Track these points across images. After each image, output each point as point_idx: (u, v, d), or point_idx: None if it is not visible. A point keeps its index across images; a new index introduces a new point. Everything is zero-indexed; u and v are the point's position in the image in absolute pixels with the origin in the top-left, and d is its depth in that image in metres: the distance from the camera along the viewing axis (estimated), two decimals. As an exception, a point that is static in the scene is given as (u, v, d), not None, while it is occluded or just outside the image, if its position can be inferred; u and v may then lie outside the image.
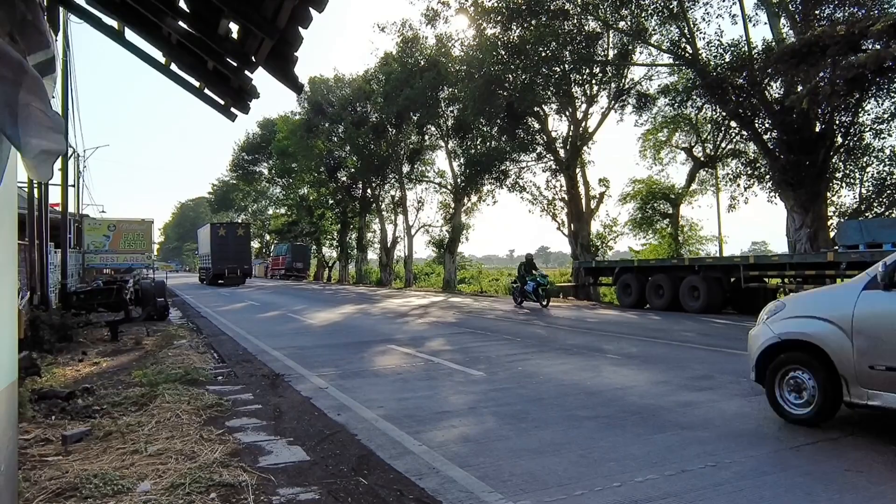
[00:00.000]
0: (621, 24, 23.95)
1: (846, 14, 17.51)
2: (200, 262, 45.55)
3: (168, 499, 3.79)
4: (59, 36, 10.56)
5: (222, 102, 5.05)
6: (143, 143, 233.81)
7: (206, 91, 5.03)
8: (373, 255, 49.15)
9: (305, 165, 45.37)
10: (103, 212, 40.92)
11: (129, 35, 4.93)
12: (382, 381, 7.83)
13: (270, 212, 68.51)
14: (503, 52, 25.35)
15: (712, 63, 20.42)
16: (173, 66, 4.97)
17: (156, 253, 40.52)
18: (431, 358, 9.48)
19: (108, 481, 4.03)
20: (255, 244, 61.80)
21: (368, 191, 43.71)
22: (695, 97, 22.78)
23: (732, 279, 16.82)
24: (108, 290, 14.54)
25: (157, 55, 5.07)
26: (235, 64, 4.21)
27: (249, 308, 20.71)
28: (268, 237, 69.71)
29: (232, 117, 5.19)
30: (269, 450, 4.89)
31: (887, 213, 18.99)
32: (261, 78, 40.71)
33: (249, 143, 58.29)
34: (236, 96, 4.77)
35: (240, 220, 60.53)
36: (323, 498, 3.89)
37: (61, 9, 6.03)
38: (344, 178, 45.51)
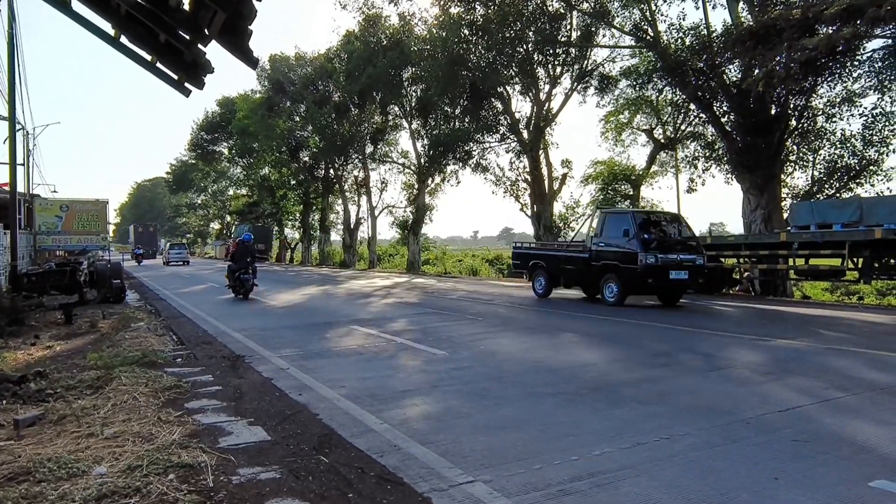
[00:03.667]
0: (584, 4, 24.01)
1: (802, -2, 17.84)
2: (131, 247, 69.15)
3: (125, 481, 3.72)
4: (3, 6, 10.11)
5: (176, 77, 4.90)
6: (97, 122, 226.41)
7: (159, 65, 4.86)
8: (336, 236, 48.81)
9: (266, 145, 44.48)
10: (55, 192, 39.54)
11: (77, 6, 4.73)
12: (345, 361, 7.81)
13: (231, 192, 67.27)
14: (467, 32, 25.19)
15: (673, 46, 20.65)
16: (123, 39, 4.78)
17: (111, 234, 39.81)
18: (394, 338, 9.49)
19: (63, 465, 3.93)
20: (215, 225, 78.02)
21: (331, 171, 43.20)
22: (656, 80, 23.06)
23: (690, 259, 17.16)
24: (62, 273, 14.15)
25: (107, 27, 4.87)
26: (188, 37, 4.08)
27: (210, 290, 20.38)
28: (228, 218, 68.46)
29: (186, 93, 5.05)
30: (229, 430, 4.84)
31: (837, 195, 19.61)
32: (218, 55, 39.58)
33: (208, 121, 56.67)
34: (190, 71, 4.63)
35: (198, 202, 77.97)
36: (284, 477, 3.88)
37: (4, -23, 5.76)
38: (306, 159, 44.87)
